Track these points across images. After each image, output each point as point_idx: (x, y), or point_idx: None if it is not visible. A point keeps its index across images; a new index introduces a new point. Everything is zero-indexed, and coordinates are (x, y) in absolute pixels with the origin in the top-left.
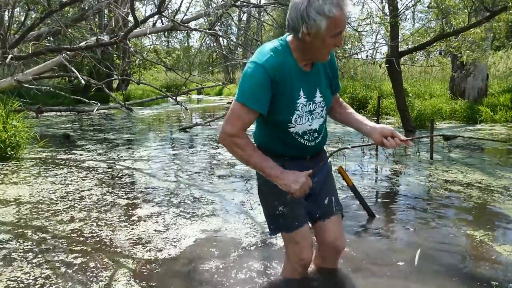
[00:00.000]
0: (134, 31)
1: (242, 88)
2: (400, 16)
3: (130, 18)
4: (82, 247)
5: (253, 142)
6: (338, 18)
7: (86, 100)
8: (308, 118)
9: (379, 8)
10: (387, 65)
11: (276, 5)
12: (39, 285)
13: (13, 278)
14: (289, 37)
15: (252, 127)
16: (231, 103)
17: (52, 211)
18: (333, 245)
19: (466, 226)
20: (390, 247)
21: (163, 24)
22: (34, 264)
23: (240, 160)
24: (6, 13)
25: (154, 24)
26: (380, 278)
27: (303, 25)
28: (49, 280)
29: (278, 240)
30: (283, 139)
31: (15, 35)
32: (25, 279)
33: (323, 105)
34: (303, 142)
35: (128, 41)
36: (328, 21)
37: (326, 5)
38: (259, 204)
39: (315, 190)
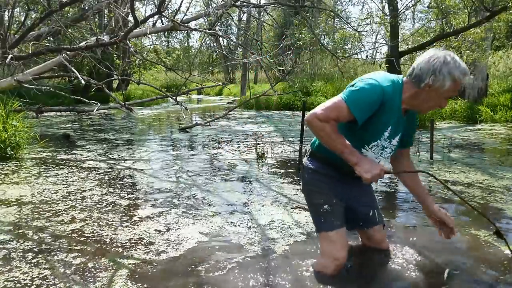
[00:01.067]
0: (134, 31)
1: (354, 93)
2: (400, 16)
3: (130, 18)
4: (82, 247)
5: (317, 146)
6: (459, 84)
7: (86, 100)
8: (380, 152)
9: (379, 8)
10: (387, 65)
11: (276, 5)
12: (35, 285)
13: (11, 278)
14: (405, 79)
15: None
16: (231, 102)
17: (53, 211)
18: (379, 248)
19: (469, 226)
20: (391, 247)
21: (163, 24)
22: (32, 264)
23: (322, 141)
24: (6, 13)
25: (154, 24)
26: (381, 276)
27: (431, 77)
28: (46, 280)
29: (280, 244)
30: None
31: (15, 35)
32: (22, 279)
33: (393, 149)
34: None
35: (128, 41)
36: (452, 83)
37: (457, 70)
38: (262, 206)
39: (353, 203)
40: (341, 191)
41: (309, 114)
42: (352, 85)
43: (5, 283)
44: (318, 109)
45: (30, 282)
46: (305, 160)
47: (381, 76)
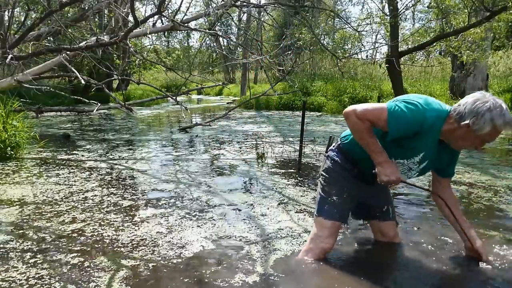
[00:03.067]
0: (134, 31)
1: (398, 109)
2: (400, 16)
3: (130, 18)
4: (81, 248)
5: (347, 139)
6: (498, 133)
7: (86, 100)
8: (405, 172)
9: (379, 8)
10: (387, 65)
11: (276, 5)
12: (30, 285)
13: (6, 278)
14: (451, 111)
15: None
16: (231, 102)
17: (55, 212)
18: (392, 242)
19: (475, 226)
20: (394, 247)
21: (163, 24)
22: (30, 264)
23: (355, 136)
24: (6, 13)
25: (154, 24)
26: (382, 276)
27: (471, 119)
28: (42, 280)
29: (283, 251)
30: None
31: (15, 35)
32: (18, 279)
33: (418, 172)
34: None
35: (128, 41)
36: (491, 129)
37: (500, 118)
38: (268, 209)
39: (367, 199)
40: (357, 187)
41: (349, 108)
42: (403, 101)
43: (0, 283)
44: (358, 106)
45: (25, 282)
46: (331, 149)
47: (430, 103)
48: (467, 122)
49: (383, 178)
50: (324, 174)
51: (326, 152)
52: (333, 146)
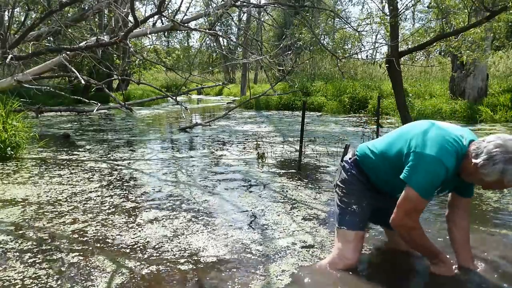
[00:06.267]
0: (134, 31)
1: (425, 183)
2: (400, 16)
3: (130, 18)
4: (81, 248)
5: (365, 162)
6: (504, 186)
7: (86, 100)
8: None
9: (379, 8)
10: (387, 65)
11: (276, 5)
12: (25, 285)
13: (2, 278)
14: (472, 144)
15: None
16: (231, 102)
17: (56, 212)
18: (406, 249)
19: (486, 226)
20: (397, 248)
21: (163, 24)
22: (28, 264)
23: (408, 242)
24: (6, 13)
25: (154, 24)
26: (386, 277)
27: (483, 161)
28: (39, 279)
29: (293, 261)
30: (384, 186)
31: (15, 35)
32: (13, 278)
33: (436, 196)
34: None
35: (128, 41)
36: (497, 180)
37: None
38: (278, 215)
39: (385, 206)
40: (375, 197)
41: (396, 222)
42: (417, 162)
43: None
44: (405, 217)
45: (21, 282)
46: (346, 161)
47: (448, 152)
48: (478, 161)
49: (436, 271)
50: (341, 184)
51: (342, 161)
52: (349, 159)
